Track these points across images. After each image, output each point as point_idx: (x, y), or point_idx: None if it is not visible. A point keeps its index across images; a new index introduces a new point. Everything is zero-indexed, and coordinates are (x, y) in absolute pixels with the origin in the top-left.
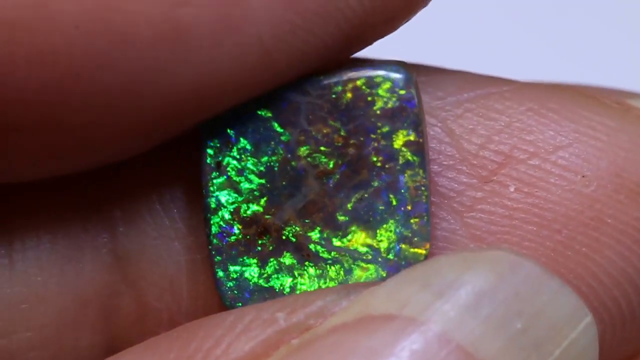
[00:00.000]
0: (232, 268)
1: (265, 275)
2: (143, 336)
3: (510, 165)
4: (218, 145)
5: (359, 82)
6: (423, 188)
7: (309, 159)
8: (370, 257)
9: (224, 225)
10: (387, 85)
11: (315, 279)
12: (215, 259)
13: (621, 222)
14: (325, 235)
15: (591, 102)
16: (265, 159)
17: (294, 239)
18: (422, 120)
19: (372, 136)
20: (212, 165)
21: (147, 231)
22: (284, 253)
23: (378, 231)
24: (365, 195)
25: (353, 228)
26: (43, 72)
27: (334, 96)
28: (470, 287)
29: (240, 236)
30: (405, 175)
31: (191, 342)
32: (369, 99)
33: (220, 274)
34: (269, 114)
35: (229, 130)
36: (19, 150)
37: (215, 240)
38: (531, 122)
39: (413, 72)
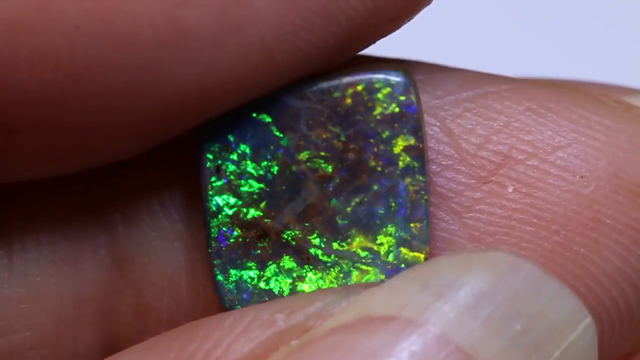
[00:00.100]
0: (231, 271)
1: (265, 278)
2: (142, 336)
3: (509, 166)
4: (218, 149)
5: (358, 88)
6: (423, 192)
7: (308, 163)
8: (369, 260)
9: (223, 229)
10: (386, 90)
11: (315, 282)
12: (215, 262)
13: (620, 223)
14: (324, 238)
15: (590, 102)
16: (264, 163)
17: (293, 243)
18: (422, 124)
19: (372, 141)
20: (212, 169)
21: (146, 231)
22: (284, 256)
23: (378, 235)
24: (365, 199)
25: (353, 232)
26: (44, 74)
27: (333, 101)
28: (470, 288)
29: (239, 239)
30: (405, 179)
31: (191, 342)
32: (369, 104)
33: (220, 277)
34: (269, 119)
35: (229, 135)
36: (19, 151)
37: (214, 244)
38: (530, 122)
39: (412, 74)
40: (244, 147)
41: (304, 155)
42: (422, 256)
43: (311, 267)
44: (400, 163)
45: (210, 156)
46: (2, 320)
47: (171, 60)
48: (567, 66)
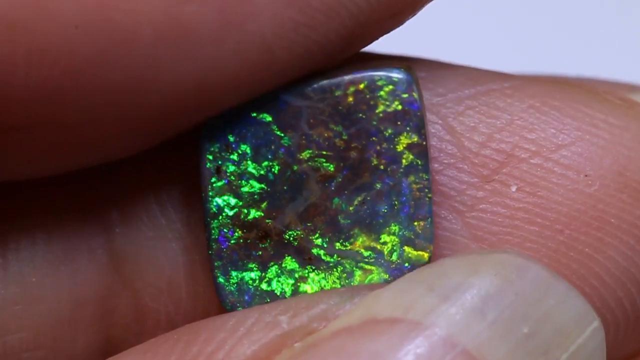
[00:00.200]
0: (232, 272)
1: (267, 279)
2: (140, 338)
3: (512, 164)
4: (218, 149)
5: (360, 86)
6: (426, 190)
7: (310, 163)
8: (373, 259)
9: (224, 230)
10: (389, 88)
11: (317, 282)
12: (216, 264)
13: (624, 222)
14: (327, 238)
15: (594, 99)
16: (265, 163)
17: (295, 243)
18: (424, 122)
19: (374, 139)
20: (212, 169)
21: (143, 231)
22: (285, 257)
23: (381, 234)
24: (368, 198)
25: (355, 231)
26: (43, 71)
27: (335, 100)
28: (476, 290)
29: (240, 240)
30: (409, 177)
31: (192, 345)
32: (371, 102)
33: (221, 278)
34: (269, 118)
35: (229, 135)
36: (18, 149)
37: (215, 245)
38: (533, 120)
39: (415, 72)
40: (245, 147)
41: (305, 155)
42: (426, 255)
43: (313, 267)
44: (404, 161)
45: (210, 157)
46: None
47: (171, 57)
48: (571, 63)
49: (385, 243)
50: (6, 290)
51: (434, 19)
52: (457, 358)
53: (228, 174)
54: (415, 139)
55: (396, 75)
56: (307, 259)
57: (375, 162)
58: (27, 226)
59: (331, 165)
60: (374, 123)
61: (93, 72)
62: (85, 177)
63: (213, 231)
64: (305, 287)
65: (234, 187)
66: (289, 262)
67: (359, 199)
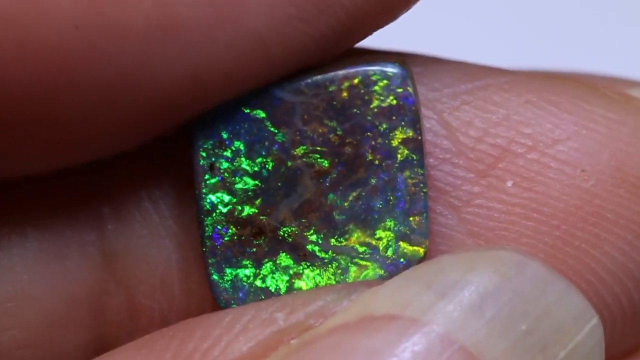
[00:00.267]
0: (226, 270)
1: (261, 276)
2: (134, 335)
3: (508, 159)
4: (211, 146)
5: (355, 81)
6: (422, 185)
7: (304, 159)
8: (368, 255)
9: (217, 227)
10: (383, 83)
11: (312, 278)
12: (209, 261)
13: (622, 218)
14: (322, 234)
15: (591, 94)
16: (259, 159)
17: (290, 239)
18: (419, 117)
19: (369, 135)
20: (205, 166)
21: (136, 228)
22: (280, 253)
23: (376, 229)
24: (363, 194)
25: (350, 227)
26: (34, 67)
27: (329, 95)
28: (474, 287)
29: (234, 237)
30: (404, 173)
31: (188, 341)
32: (366, 97)
33: (215, 276)
34: (263, 114)
35: (222, 132)
36: (10, 146)
37: (209, 242)
38: (529, 114)
39: (409, 66)
40: (238, 144)
41: (299, 151)
42: (421, 250)
43: (308, 263)
44: (399, 156)
45: (203, 153)
46: None
47: (163, 51)
48: (568, 58)
49: (380, 239)
50: None
51: (429, 14)
52: (455, 355)
53: (222, 171)
54: (410, 133)
55: (391, 69)
56: (301, 255)
57: (370, 157)
58: (18, 223)
59: (326, 161)
60: (369, 118)
61: (86, 67)
62: (76, 173)
63: (207, 228)
64: (300, 284)
65: (227, 184)
66: (284, 259)
67: (354, 194)
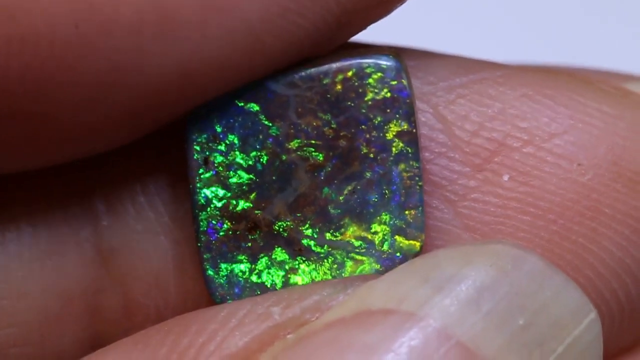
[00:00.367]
0: (222, 265)
1: (257, 271)
2: (129, 333)
3: (504, 153)
4: (205, 140)
5: (349, 73)
6: (417, 178)
7: (299, 152)
8: (364, 250)
9: (212, 222)
10: (377, 75)
11: (308, 273)
12: (205, 256)
13: (619, 212)
14: (317, 229)
15: (588, 88)
16: (254, 153)
17: (285, 234)
18: (414, 109)
19: (364, 128)
20: (200, 161)
21: (131, 225)
22: (275, 248)
23: (372, 223)
24: (358, 187)
25: (346, 221)
26: (23, 59)
27: (323, 88)
28: (471, 281)
29: (229, 232)
30: (399, 166)
31: (184, 336)
32: (360, 90)
33: (210, 271)
34: (257, 108)
35: (216, 125)
36: (2, 143)
37: (204, 237)
38: (525, 108)
39: (404, 59)
40: (232, 137)
41: (294, 144)
42: (417, 244)
43: (304, 258)
44: (394, 149)
45: (197, 147)
46: None
47: (153, 42)
48: (565, 53)
49: (376, 233)
50: None
51: (422, 8)
52: (452, 350)
53: (216, 165)
54: (405, 126)
55: (385, 62)
56: (297, 250)
57: (364, 150)
58: (13, 219)
59: (320, 155)
60: (363, 111)
61: (75, 58)
62: (71, 169)
63: (201, 223)
64: (296, 279)
65: (222, 178)
66: (279, 254)
67: (349, 188)
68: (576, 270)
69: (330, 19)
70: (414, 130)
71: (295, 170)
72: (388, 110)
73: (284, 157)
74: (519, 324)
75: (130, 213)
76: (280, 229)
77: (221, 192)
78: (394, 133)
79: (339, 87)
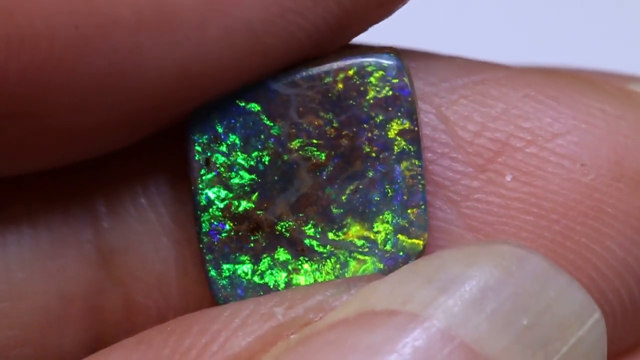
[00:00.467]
0: (224, 266)
1: (259, 271)
2: (130, 334)
3: (507, 154)
4: (206, 141)
5: (350, 72)
6: (419, 177)
7: (300, 152)
8: (366, 249)
9: (214, 223)
10: (379, 74)
11: (311, 273)
12: (207, 258)
13: (621, 212)
14: (319, 229)
15: (590, 88)
16: (255, 153)
17: (287, 234)
18: (416, 108)
19: (365, 126)
20: (201, 161)
21: (132, 226)
22: (278, 248)
23: (374, 223)
24: (360, 187)
25: (348, 220)
26: (23, 59)
27: (324, 87)
28: (475, 282)
29: (232, 233)
30: (401, 164)
31: (186, 337)
32: (361, 88)
33: (213, 272)
34: (258, 108)
35: (217, 126)
36: (3, 144)
37: (206, 239)
38: (528, 108)
39: (405, 58)
40: (234, 138)
41: (295, 144)
42: (420, 243)
43: (306, 258)
44: (396, 148)
45: (199, 148)
46: None
47: (153, 41)
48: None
49: (378, 232)
50: None
51: (424, 10)
52: (456, 351)
53: (217, 166)
54: (407, 125)
55: (386, 60)
56: (299, 250)
57: (366, 149)
58: (13, 221)
59: (322, 154)
60: (365, 110)
61: (74, 58)
62: (72, 170)
63: (203, 224)
64: (299, 279)
65: (223, 179)
66: (282, 254)
67: (351, 187)
68: (579, 270)
69: (331, 19)
70: (416, 129)
71: (297, 170)
72: (390, 109)
73: (285, 157)
74: (523, 325)
75: (131, 214)
76: (283, 230)
77: (223, 193)
78: (395, 131)
79: (340, 86)
